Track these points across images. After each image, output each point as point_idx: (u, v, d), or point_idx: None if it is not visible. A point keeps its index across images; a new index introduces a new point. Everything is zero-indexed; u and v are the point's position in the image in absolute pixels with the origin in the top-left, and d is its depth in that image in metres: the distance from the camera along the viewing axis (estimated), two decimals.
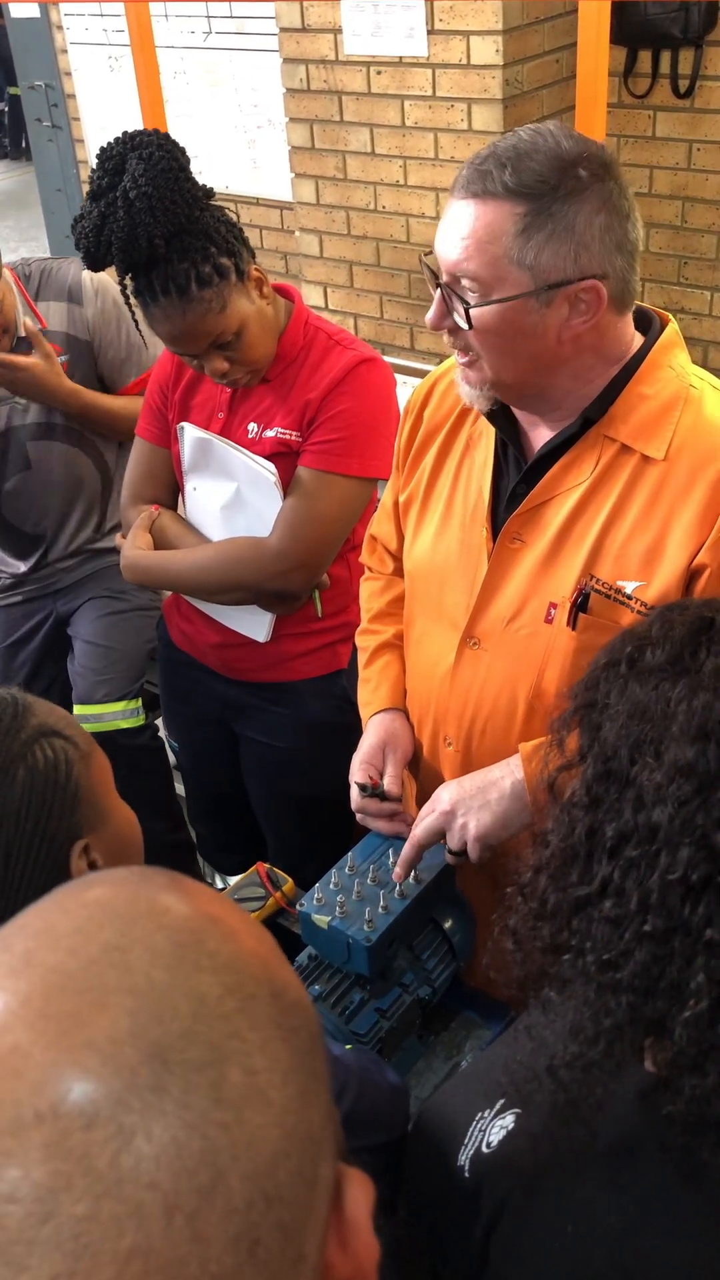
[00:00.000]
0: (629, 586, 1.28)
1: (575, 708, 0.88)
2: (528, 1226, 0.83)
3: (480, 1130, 0.88)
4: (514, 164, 1.19)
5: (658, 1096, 0.77)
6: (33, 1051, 0.40)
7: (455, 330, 1.28)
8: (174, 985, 0.42)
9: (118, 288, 2.09)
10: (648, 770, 0.78)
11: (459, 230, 1.23)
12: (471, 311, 1.23)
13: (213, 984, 0.43)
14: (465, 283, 1.24)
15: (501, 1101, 0.88)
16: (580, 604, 1.31)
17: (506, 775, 1.36)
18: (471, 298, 1.24)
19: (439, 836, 1.38)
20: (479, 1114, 0.89)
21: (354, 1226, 0.45)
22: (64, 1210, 0.37)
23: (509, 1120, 0.87)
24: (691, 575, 1.26)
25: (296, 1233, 0.41)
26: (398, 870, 1.40)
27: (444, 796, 1.39)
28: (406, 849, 1.40)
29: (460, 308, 1.24)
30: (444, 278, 1.26)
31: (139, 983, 0.42)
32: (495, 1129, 0.87)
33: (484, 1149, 0.87)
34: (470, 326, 1.25)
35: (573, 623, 1.32)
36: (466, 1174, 0.87)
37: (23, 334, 2.25)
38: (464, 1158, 0.88)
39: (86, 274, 2.29)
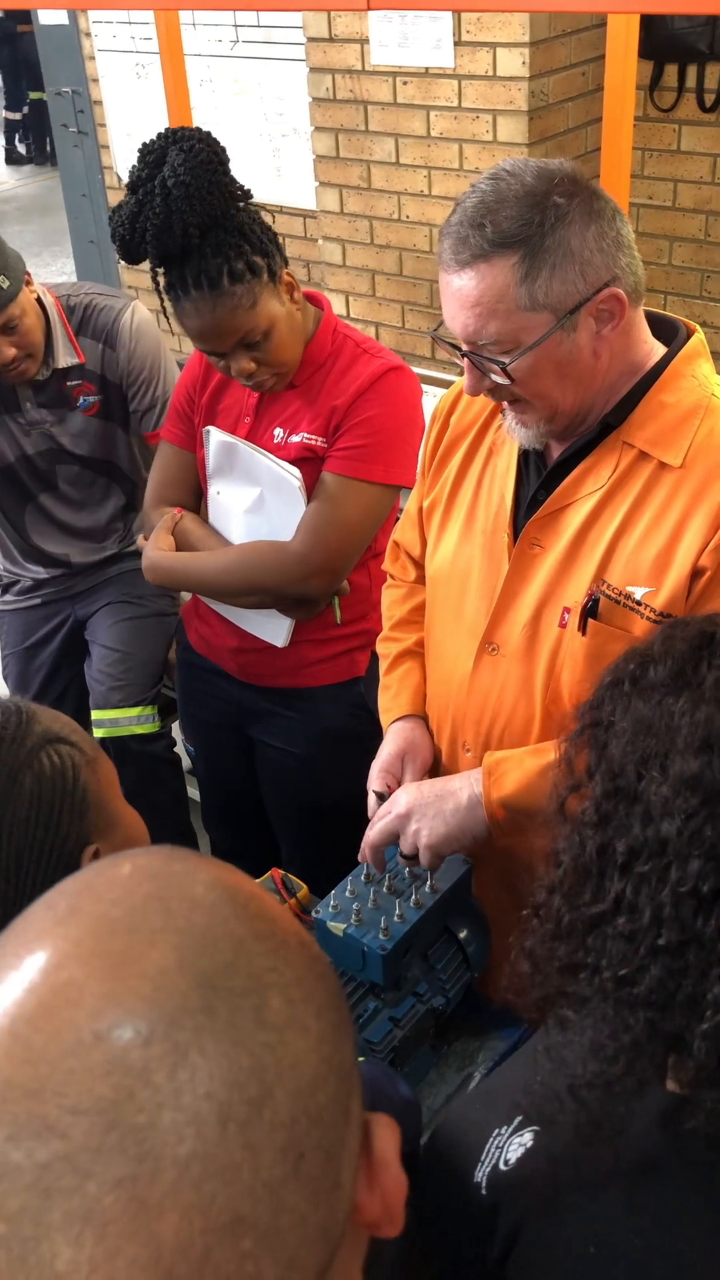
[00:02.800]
0: (638, 592, 1.28)
1: (581, 728, 0.88)
2: (548, 1247, 0.82)
3: (497, 1147, 0.87)
4: (490, 219, 1.19)
5: (679, 1116, 0.76)
6: (88, 983, 0.42)
7: (496, 388, 1.28)
8: (213, 926, 0.45)
9: (157, 336, 2.07)
10: (654, 785, 0.78)
11: (464, 301, 1.22)
12: (509, 367, 1.23)
13: (248, 929, 0.46)
14: (491, 345, 1.24)
15: (519, 1118, 0.88)
16: (590, 609, 1.31)
17: (465, 787, 1.37)
18: (503, 356, 1.23)
19: (393, 839, 1.40)
20: (496, 1130, 0.89)
21: (383, 1163, 0.48)
22: (126, 1120, 0.39)
23: (527, 1138, 0.86)
24: (693, 577, 1.26)
25: (335, 1157, 0.44)
26: (375, 868, 1.42)
27: (402, 799, 1.40)
28: (364, 850, 1.42)
29: (495, 368, 1.24)
30: (465, 347, 1.26)
31: (181, 925, 0.45)
32: (513, 1146, 0.86)
33: (501, 1166, 0.86)
34: (513, 381, 1.25)
35: (583, 628, 1.32)
36: (483, 1191, 0.87)
37: (61, 365, 2.26)
38: (481, 1175, 0.87)
39: (126, 319, 2.29)
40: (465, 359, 1.27)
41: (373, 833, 1.41)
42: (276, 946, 0.46)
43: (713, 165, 3.36)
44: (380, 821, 1.41)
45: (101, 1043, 0.40)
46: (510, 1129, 0.89)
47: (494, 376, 1.26)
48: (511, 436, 1.37)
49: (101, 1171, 0.38)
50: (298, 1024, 0.44)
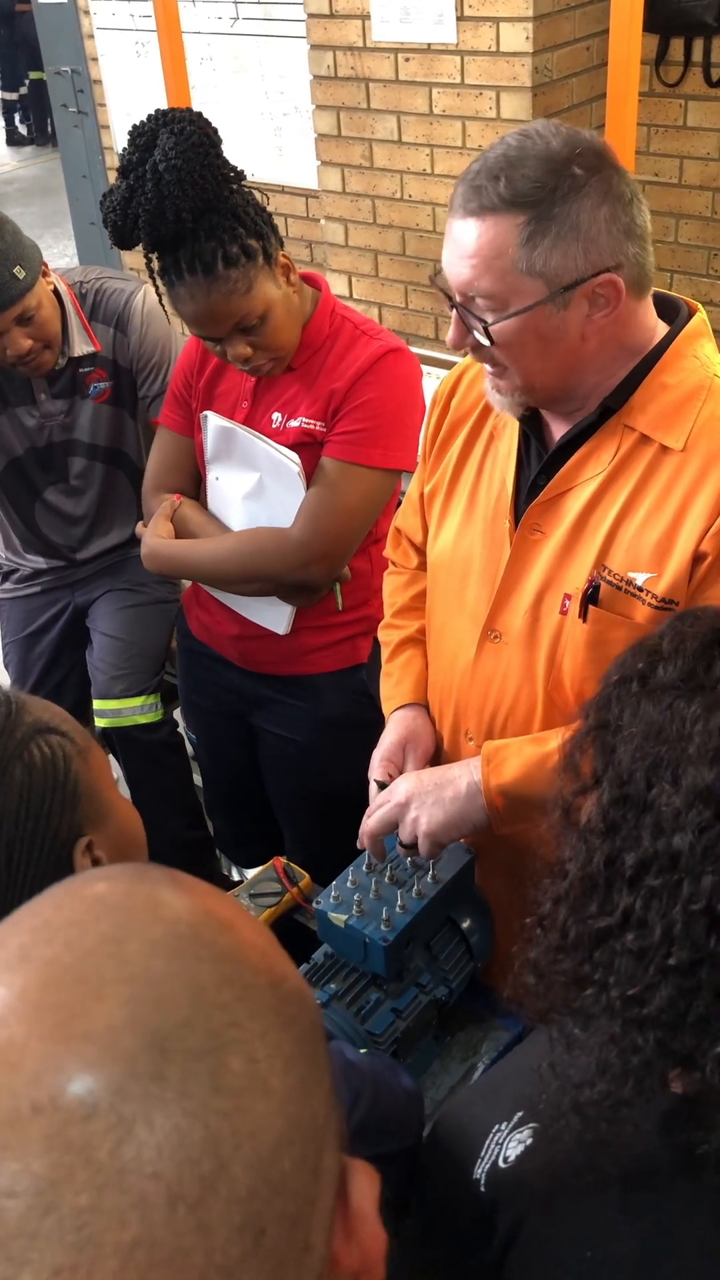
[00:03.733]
0: (640, 578, 1.26)
1: (587, 729, 0.85)
2: (546, 1248, 0.81)
3: (497, 1144, 0.86)
4: (506, 174, 1.16)
5: (681, 1123, 0.75)
6: (30, 1044, 0.39)
7: (478, 347, 1.26)
8: (172, 975, 0.42)
9: (168, 320, 2.03)
10: (665, 795, 0.76)
11: (464, 250, 1.20)
12: (491, 328, 1.21)
13: (211, 974, 0.42)
14: (480, 301, 1.22)
15: (519, 1114, 0.87)
16: (591, 595, 1.29)
17: (464, 775, 1.36)
18: (488, 315, 1.21)
19: (392, 828, 1.39)
20: (495, 1126, 0.88)
21: (360, 1217, 0.45)
22: (65, 1202, 0.36)
23: (526, 1135, 0.85)
24: (694, 562, 1.24)
25: (302, 1222, 0.41)
26: (375, 857, 1.41)
27: (401, 788, 1.39)
28: (361, 839, 1.40)
29: (479, 325, 1.22)
30: (457, 298, 1.24)
31: (136, 973, 0.41)
32: (512, 1143, 0.85)
33: (501, 1163, 0.85)
34: (492, 342, 1.23)
35: (584, 614, 1.30)
36: (482, 1188, 0.86)
37: (76, 353, 2.23)
38: (480, 1171, 0.86)
39: (138, 303, 2.26)
40: (454, 310, 1.25)
41: (371, 821, 1.40)
42: (241, 993, 0.42)
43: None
44: (379, 810, 1.39)
45: (40, 1115, 0.37)
46: (510, 1125, 0.88)
47: (476, 334, 1.24)
48: (490, 400, 1.36)
49: (38, 1260, 0.35)
50: (259, 1085, 0.40)
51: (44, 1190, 0.36)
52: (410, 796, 1.37)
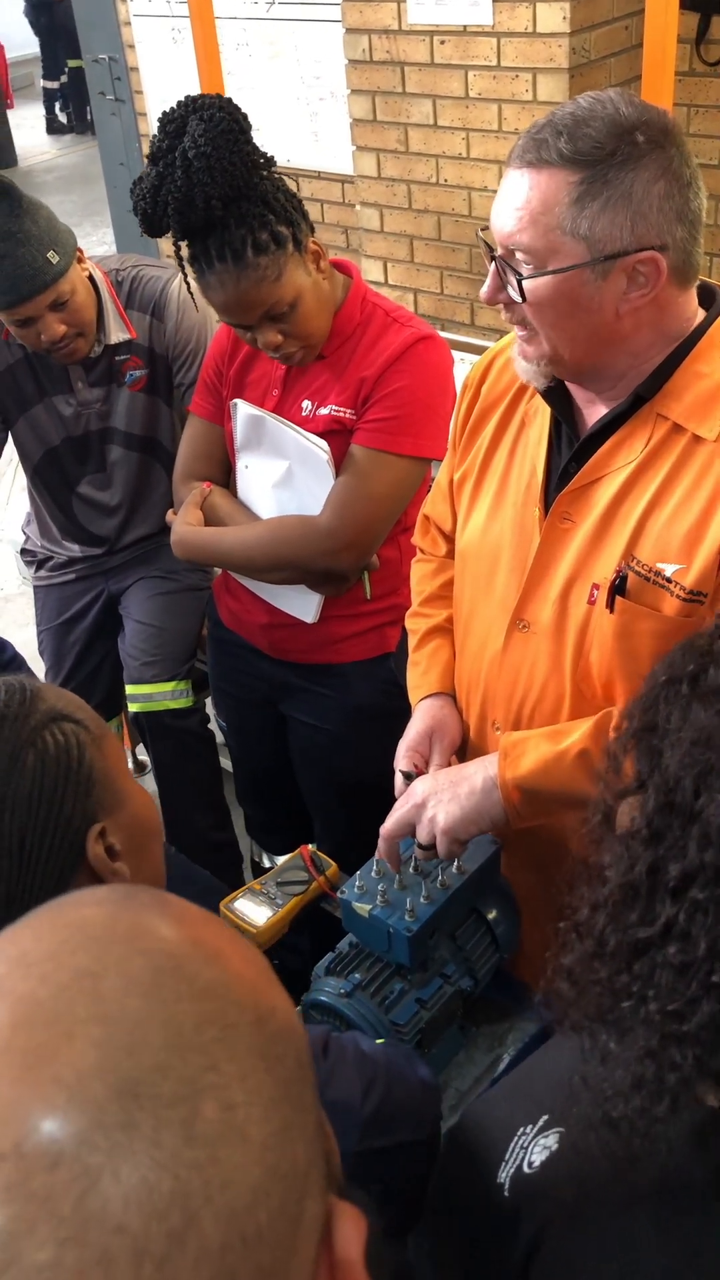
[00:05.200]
0: (668, 569, 1.24)
1: (632, 730, 0.83)
2: (570, 1260, 0.79)
3: (521, 1148, 0.85)
4: (570, 131, 1.15)
5: (716, 1140, 0.73)
6: None
7: (510, 304, 1.24)
8: (149, 1014, 0.40)
9: (204, 307, 2.03)
10: (715, 805, 0.73)
11: (513, 201, 1.19)
12: (525, 284, 1.19)
13: (190, 1012, 0.41)
14: (520, 255, 1.20)
15: (545, 1119, 0.85)
16: (618, 586, 1.27)
17: (479, 771, 1.35)
18: (525, 269, 1.20)
19: (409, 828, 1.37)
20: (520, 1130, 0.86)
21: (345, 1266, 0.43)
22: (26, 1257, 0.35)
23: (551, 1140, 0.83)
24: None
25: (279, 1274, 0.39)
26: (389, 864, 1.39)
27: (418, 789, 1.38)
28: (379, 842, 1.39)
29: (514, 280, 1.21)
30: (499, 250, 1.23)
31: (111, 1011, 0.40)
32: (537, 1148, 0.84)
33: (525, 1168, 0.83)
34: (524, 299, 1.21)
35: (611, 605, 1.28)
36: (506, 1193, 0.84)
37: (113, 341, 2.23)
38: (504, 1175, 0.85)
39: (174, 290, 2.26)
40: (493, 262, 1.24)
41: (388, 823, 1.39)
42: (222, 1033, 0.41)
43: None
44: (397, 812, 1.39)
45: (3, 1163, 0.36)
46: (535, 1129, 0.86)
47: (510, 290, 1.22)
48: (515, 367, 1.34)
49: None
50: (235, 1134, 0.39)
51: (5, 1243, 0.35)
52: (427, 796, 1.36)
